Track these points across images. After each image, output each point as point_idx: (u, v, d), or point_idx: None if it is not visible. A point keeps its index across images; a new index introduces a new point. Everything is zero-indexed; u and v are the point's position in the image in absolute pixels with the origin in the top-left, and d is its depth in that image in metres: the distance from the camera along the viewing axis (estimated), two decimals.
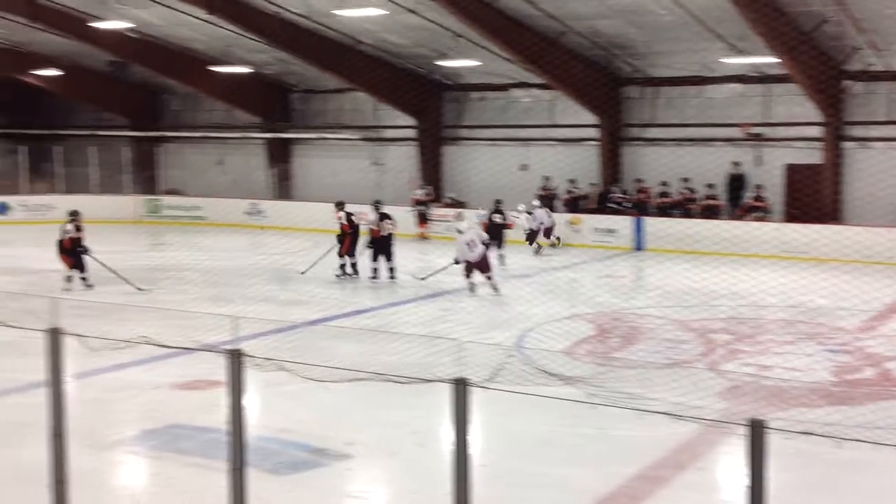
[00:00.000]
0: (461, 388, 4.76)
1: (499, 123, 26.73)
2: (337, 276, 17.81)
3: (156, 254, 22.49)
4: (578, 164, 24.93)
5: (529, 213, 22.15)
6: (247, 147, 31.02)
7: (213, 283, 17.09)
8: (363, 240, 17.86)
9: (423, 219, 25.31)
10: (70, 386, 5.88)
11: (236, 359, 5.29)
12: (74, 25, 24.72)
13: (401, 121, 27.88)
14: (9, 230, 26.16)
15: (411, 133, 27.74)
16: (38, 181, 30.35)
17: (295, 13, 22.58)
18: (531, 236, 22.03)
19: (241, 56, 26.76)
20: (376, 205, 18.31)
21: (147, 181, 30.96)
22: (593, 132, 24.88)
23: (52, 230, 21.36)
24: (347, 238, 17.88)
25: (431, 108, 27.28)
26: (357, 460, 7.87)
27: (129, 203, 29.44)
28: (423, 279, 17.30)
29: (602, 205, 24.19)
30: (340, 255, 17.92)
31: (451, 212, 24.76)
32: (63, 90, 32.13)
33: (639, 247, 22.72)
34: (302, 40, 23.80)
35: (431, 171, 27.33)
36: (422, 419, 8.65)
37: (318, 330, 12.64)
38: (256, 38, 24.06)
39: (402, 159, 28.04)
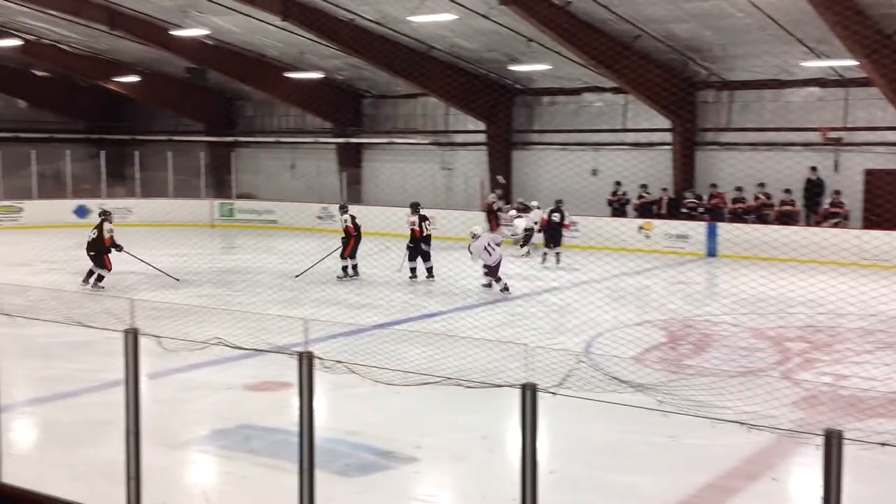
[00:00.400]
0: (529, 392, 4.72)
1: (570, 128, 26.58)
2: (339, 277, 18.09)
3: (229, 257, 22.86)
4: (650, 169, 24.61)
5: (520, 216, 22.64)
6: (318, 152, 31.40)
7: (284, 287, 17.32)
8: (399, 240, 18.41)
9: (494, 223, 25.30)
10: (145, 385, 6.00)
11: (307, 361, 5.34)
12: (154, 33, 25.37)
13: (471, 125, 27.94)
14: (88, 233, 26.85)
15: (481, 137, 27.75)
16: (116, 185, 31.15)
17: (369, 20, 22.79)
18: (527, 238, 22.34)
19: (313, 62, 27.11)
20: (415, 207, 18.69)
21: (221, 185, 31.57)
22: (666, 136, 24.57)
23: (130, 233, 21.83)
24: (352, 240, 18.33)
25: (502, 112, 27.27)
26: (425, 464, 7.87)
27: (204, 207, 30.01)
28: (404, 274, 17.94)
29: (674, 210, 23.86)
30: (343, 257, 18.32)
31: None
32: (142, 96, 32.98)
33: (712, 253, 22.34)
34: (375, 46, 24.01)
35: (501, 176, 27.28)
36: (490, 424, 8.63)
37: (386, 333, 12.71)
38: (330, 45, 24.34)
39: (472, 164, 28.09)
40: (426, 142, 29.10)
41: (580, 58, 22.20)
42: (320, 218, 28.47)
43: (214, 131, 33.15)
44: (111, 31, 25.57)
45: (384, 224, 24.01)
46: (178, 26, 24.48)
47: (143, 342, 5.91)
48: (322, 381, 5.44)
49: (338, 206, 19.91)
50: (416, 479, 7.64)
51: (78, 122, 34.92)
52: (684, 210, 23.63)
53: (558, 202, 21.24)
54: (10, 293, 7.36)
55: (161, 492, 6.53)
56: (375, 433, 8.51)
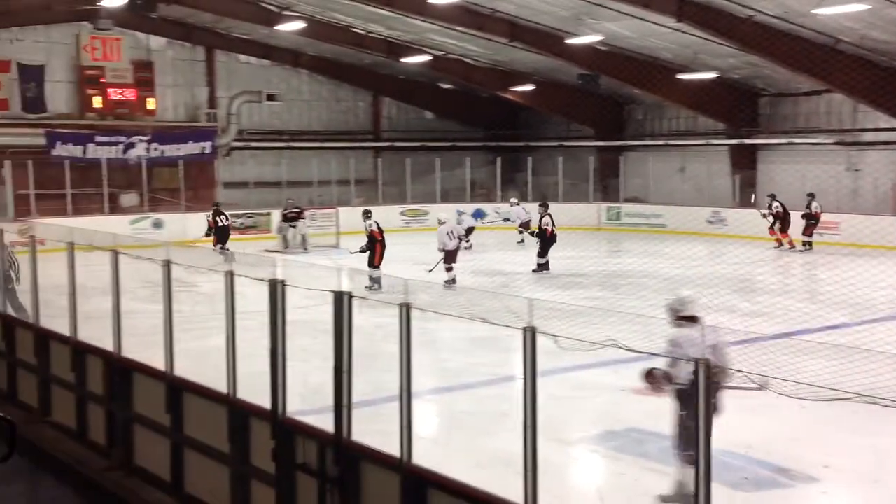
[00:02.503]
0: None
1: None
2: (367, 287, 16.54)
3: (615, 260, 22.95)
4: None
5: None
6: (709, 154, 30.51)
7: (672, 291, 16.96)
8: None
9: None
10: (539, 381, 6.13)
11: (704, 368, 5.15)
12: (549, 42, 26.20)
13: (882, 123, 25.56)
14: (484, 235, 28.42)
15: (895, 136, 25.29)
16: (509, 189, 32.69)
17: (769, 15, 21.67)
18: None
19: (707, 62, 26.40)
20: (544, 205, 19.84)
21: (609, 189, 31.85)
22: None
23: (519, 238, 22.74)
24: (378, 246, 17.29)
25: None
26: (831, 485, 7.28)
27: (591, 210, 30.49)
28: (429, 271, 17.81)
29: None
30: (373, 265, 17.05)
31: None
32: (536, 104, 34.29)
33: None
34: (775, 42, 22.77)
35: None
36: None
37: (784, 344, 11.95)
38: (726, 44, 23.53)
39: (883, 164, 25.67)
40: (830, 141, 27.10)
41: None
42: (710, 222, 27.69)
43: (604, 136, 33.55)
44: (510, 44, 26.82)
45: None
46: (573, 34, 25.05)
47: (539, 340, 6.06)
48: None
49: (362, 211, 18.63)
50: (820, 501, 7.07)
51: (477, 130, 37.14)
52: None
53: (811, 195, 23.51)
54: (420, 290, 7.93)
55: (554, 485, 6.67)
56: (774, 448, 8.04)
